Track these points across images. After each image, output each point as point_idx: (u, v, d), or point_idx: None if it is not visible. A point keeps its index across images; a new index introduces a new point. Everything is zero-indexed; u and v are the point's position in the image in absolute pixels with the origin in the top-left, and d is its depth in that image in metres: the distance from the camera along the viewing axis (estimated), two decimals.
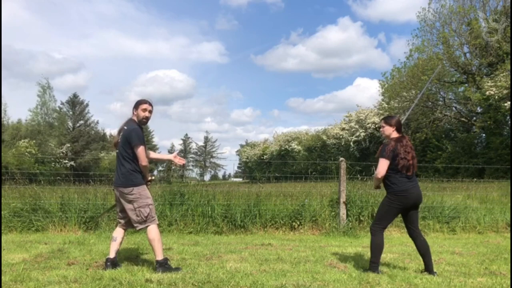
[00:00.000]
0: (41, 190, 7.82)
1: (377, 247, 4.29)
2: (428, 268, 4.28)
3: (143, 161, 4.22)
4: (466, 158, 26.77)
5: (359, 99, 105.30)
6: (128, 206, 4.23)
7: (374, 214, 7.63)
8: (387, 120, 4.47)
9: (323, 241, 6.64)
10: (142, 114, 4.31)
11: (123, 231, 4.44)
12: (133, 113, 4.35)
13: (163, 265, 4.15)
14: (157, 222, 4.31)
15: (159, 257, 4.17)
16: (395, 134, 4.37)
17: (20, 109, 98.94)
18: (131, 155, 4.23)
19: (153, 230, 4.21)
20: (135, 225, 4.25)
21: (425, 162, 28.69)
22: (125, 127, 4.28)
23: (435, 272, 4.24)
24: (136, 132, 4.20)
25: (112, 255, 4.30)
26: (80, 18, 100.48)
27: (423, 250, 4.31)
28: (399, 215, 4.45)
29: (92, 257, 4.96)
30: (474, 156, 26.93)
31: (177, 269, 4.23)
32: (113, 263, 4.27)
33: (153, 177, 4.61)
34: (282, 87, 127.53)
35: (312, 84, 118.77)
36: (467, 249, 5.90)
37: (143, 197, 4.22)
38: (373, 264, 4.28)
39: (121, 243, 4.43)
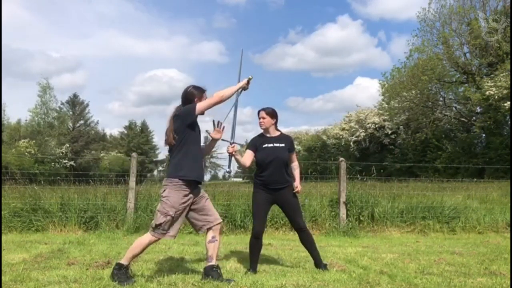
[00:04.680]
0: (41, 190, 7.83)
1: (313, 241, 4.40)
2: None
3: (214, 99, 3.71)
4: (466, 158, 26.74)
5: (359, 99, 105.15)
6: None
7: (374, 214, 7.70)
8: (268, 111, 4.31)
9: (323, 241, 6.63)
10: None
11: (209, 232, 3.82)
12: (195, 102, 3.78)
13: (121, 269, 3.67)
14: (161, 237, 3.70)
15: (125, 262, 3.70)
16: (274, 128, 4.37)
17: (19, 108, 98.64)
18: (178, 141, 3.66)
19: (146, 240, 3.71)
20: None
21: (425, 162, 28.68)
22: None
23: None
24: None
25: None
26: (80, 18, 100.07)
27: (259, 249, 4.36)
28: (282, 209, 4.48)
29: (92, 257, 4.95)
30: (474, 156, 26.90)
31: (130, 280, 3.66)
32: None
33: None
34: (281, 87, 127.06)
35: (311, 83, 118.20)
36: (467, 249, 5.90)
37: (170, 201, 3.62)
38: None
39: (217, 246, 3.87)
